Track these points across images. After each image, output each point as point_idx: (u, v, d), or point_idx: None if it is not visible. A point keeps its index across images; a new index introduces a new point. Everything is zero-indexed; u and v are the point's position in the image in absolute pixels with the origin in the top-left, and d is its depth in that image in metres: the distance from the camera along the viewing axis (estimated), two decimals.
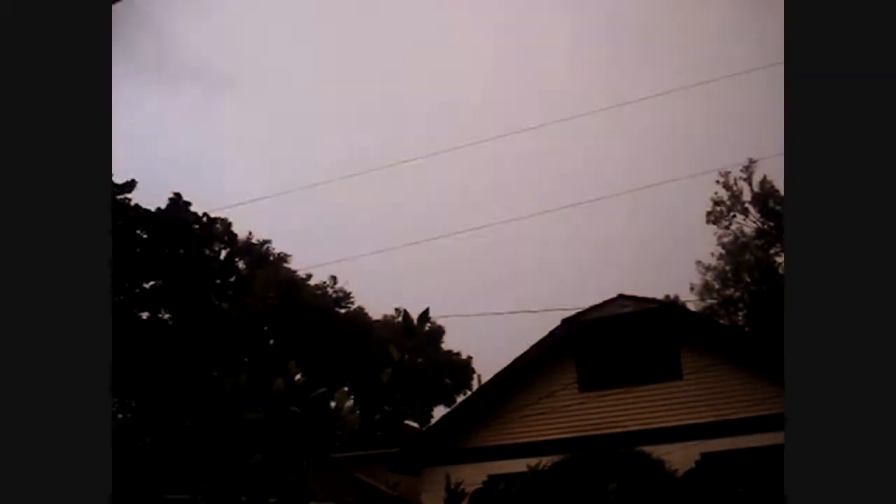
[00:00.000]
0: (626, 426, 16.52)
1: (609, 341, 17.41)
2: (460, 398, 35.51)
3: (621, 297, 17.79)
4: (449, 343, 43.01)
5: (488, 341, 36.75)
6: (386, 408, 36.13)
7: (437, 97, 48.17)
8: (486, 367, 35.35)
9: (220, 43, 47.92)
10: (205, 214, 32.85)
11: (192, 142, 47.47)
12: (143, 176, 31.28)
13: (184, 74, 52.31)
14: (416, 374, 35.89)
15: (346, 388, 30.59)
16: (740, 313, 39.69)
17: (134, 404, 27.61)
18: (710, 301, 40.03)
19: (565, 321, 17.63)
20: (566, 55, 46.11)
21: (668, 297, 34.73)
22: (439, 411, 36.43)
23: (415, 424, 35.91)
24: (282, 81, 50.50)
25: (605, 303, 17.69)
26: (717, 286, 40.70)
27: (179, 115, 47.92)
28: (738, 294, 39.97)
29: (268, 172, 44.40)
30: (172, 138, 45.91)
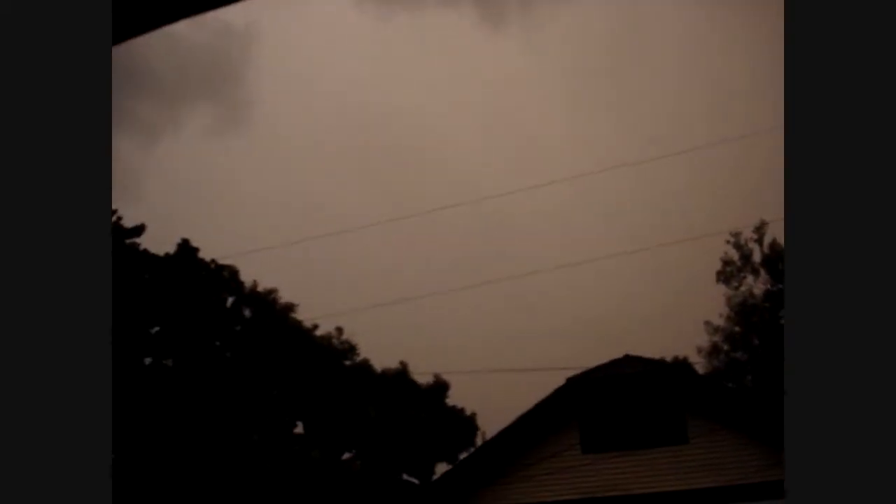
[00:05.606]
0: (629, 489, 16.26)
1: (613, 402, 17.21)
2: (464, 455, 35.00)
3: (628, 357, 17.68)
4: (454, 398, 42.67)
5: (493, 398, 36.44)
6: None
7: (445, 154, 48.61)
8: (491, 424, 34.96)
9: (235, 84, 48.55)
10: (213, 261, 33.00)
11: (204, 187, 47.77)
12: (153, 220, 31.50)
13: (196, 117, 52.84)
14: (417, 429, 35.52)
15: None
16: (748, 376, 39.24)
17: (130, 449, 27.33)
18: (716, 364, 39.66)
19: (570, 380, 17.49)
20: (569, 113, 46.70)
21: (676, 357, 34.45)
22: (441, 468, 35.89)
23: (415, 480, 35.32)
24: (296, 130, 51.08)
25: (612, 363, 17.56)
26: (726, 347, 40.34)
27: (191, 159, 48.33)
28: (746, 356, 39.61)
29: (277, 220, 44.72)
30: (183, 183, 46.19)
